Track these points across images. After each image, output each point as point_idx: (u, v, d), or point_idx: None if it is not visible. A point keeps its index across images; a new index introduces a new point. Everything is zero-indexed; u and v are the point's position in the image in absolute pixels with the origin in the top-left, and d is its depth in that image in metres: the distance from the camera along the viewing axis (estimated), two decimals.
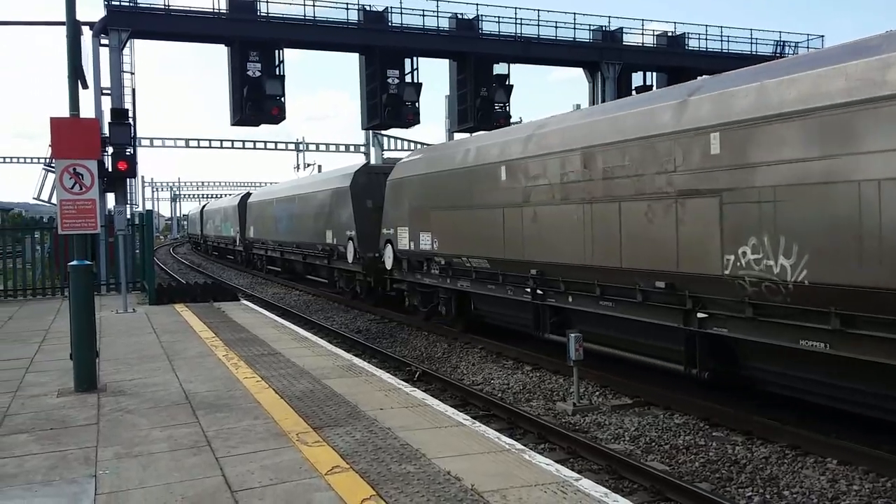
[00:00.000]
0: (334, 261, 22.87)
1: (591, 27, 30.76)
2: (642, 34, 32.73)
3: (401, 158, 20.41)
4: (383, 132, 40.38)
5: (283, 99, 25.60)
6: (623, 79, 30.98)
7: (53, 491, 5.37)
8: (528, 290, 12.46)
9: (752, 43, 32.83)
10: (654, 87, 30.00)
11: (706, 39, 32.22)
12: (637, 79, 31.91)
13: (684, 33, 32.15)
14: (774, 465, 7.69)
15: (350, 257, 20.58)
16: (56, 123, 8.71)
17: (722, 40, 32.36)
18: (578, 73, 31.77)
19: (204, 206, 62.03)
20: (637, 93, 28.95)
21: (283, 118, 25.82)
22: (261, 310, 16.86)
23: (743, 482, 7.33)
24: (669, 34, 32.18)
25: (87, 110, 12.92)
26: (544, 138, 12.22)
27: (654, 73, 32.15)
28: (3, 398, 8.21)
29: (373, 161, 37.85)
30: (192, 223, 75.00)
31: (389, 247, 17.73)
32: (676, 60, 31.41)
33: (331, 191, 22.75)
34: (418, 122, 27.53)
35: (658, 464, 7.82)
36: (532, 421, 9.25)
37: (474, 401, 10.58)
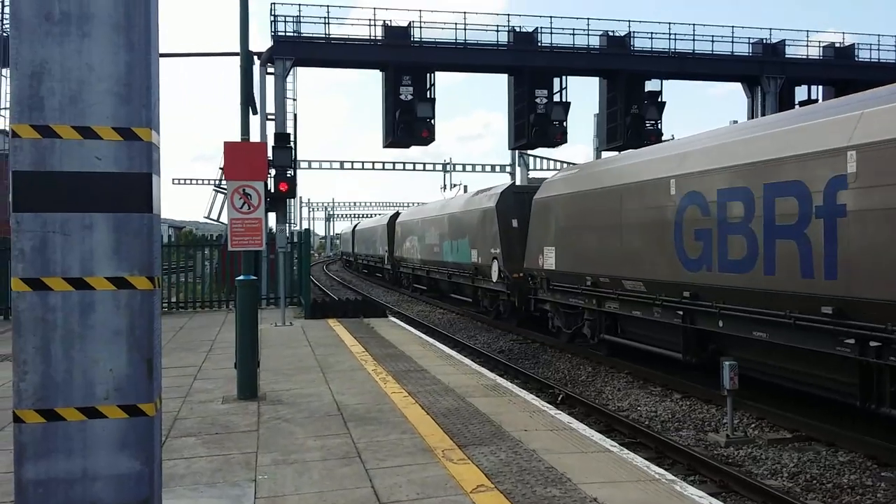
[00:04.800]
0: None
1: (751, 40, 29.53)
2: (807, 46, 31.00)
3: None
4: (529, 152, 40.37)
5: (432, 121, 26.27)
6: (785, 93, 29.48)
7: (217, 492, 5.74)
8: None
9: None
10: (820, 101, 28.32)
11: (878, 50, 30.11)
12: (801, 93, 30.27)
13: (853, 44, 30.21)
14: None
15: None
16: (229, 147, 9.37)
17: None
18: (737, 87, 30.55)
19: (395, 216, 41.71)
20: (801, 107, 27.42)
21: (433, 140, 26.48)
22: (407, 326, 17.28)
23: None
24: (837, 45, 30.35)
25: (253, 135, 13.82)
26: None
27: (821, 87, 30.40)
28: (175, 403, 8.88)
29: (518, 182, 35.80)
30: (363, 240, 54.47)
31: None
32: (845, 73, 29.57)
33: None
34: (565, 141, 27.39)
35: (819, 503, 7.31)
36: (681, 451, 8.89)
37: (620, 427, 10.32)
